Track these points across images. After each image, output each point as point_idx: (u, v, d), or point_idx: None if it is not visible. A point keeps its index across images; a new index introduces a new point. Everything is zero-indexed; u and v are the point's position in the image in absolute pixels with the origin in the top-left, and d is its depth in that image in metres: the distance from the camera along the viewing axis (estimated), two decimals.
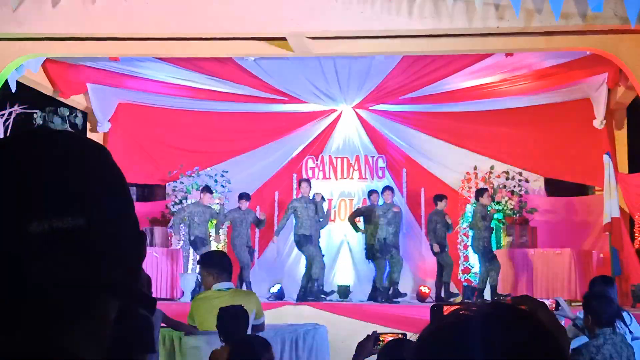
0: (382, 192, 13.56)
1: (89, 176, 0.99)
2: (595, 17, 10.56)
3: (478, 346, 1.12)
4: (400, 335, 3.45)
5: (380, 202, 13.56)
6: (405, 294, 13.04)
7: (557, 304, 6.32)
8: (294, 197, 14.68)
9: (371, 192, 14.01)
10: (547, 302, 6.29)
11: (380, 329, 7.94)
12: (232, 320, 5.33)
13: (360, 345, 3.43)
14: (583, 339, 5.77)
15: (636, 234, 12.76)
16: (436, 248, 13.09)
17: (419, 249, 14.60)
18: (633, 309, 10.96)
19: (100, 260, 0.97)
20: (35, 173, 0.96)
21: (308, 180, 14.04)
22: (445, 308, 1.91)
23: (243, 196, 13.67)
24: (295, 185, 15.09)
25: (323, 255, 13.28)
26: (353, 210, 14.58)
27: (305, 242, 13.07)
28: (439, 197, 13.45)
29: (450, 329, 1.17)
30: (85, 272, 0.96)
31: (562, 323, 6.75)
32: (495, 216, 13.36)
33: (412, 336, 1.27)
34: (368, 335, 3.46)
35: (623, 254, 12.42)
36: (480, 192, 13.07)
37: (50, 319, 0.95)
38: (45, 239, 0.94)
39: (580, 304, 8.66)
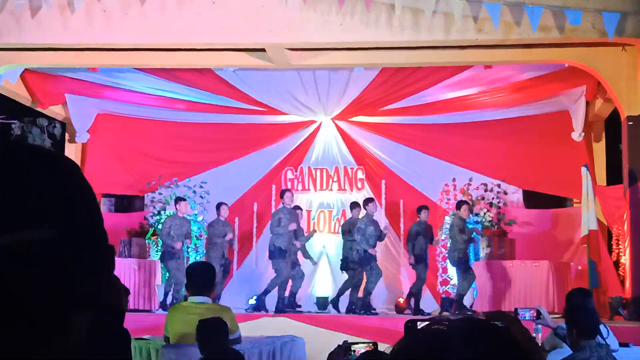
0: (365, 204, 13.31)
1: (58, 189, 0.99)
2: (573, 29, 10.65)
3: None
4: (371, 346, 3.44)
5: (362, 214, 13.40)
6: (376, 311, 12.98)
7: (539, 313, 6.34)
8: (273, 208, 14.67)
9: (354, 205, 13.88)
10: (528, 312, 6.32)
11: (356, 340, 7.91)
12: (212, 332, 5.33)
13: (331, 356, 3.41)
14: (564, 351, 5.78)
15: (614, 247, 12.83)
16: (411, 260, 13.08)
17: (397, 261, 14.61)
18: (610, 321, 11.00)
19: (69, 273, 0.97)
20: (3, 185, 0.96)
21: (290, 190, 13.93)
22: (419, 323, 1.90)
23: (221, 205, 13.53)
24: (274, 197, 15.08)
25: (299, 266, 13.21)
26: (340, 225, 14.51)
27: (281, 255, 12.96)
28: (419, 209, 13.40)
29: (422, 344, 1.16)
30: (54, 284, 0.95)
31: (540, 336, 6.77)
32: (471, 228, 13.30)
33: (387, 348, 1.26)
34: (339, 345, 3.45)
35: (601, 266, 12.47)
36: (458, 205, 13.08)
37: (20, 332, 0.94)
38: (14, 251, 0.93)
39: (559, 316, 8.69)
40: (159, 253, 13.91)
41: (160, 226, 14.21)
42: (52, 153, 1.03)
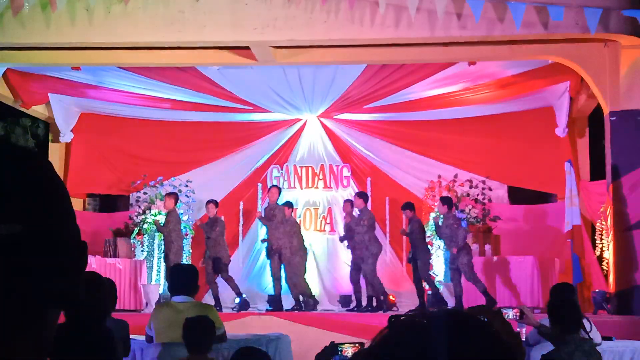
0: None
1: (26, 184, 0.98)
2: (556, 26, 10.68)
3: (429, 353, 1.11)
4: (357, 346, 3.43)
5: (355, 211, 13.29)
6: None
7: (522, 313, 6.36)
8: (259, 206, 14.63)
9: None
10: (511, 311, 6.34)
11: (346, 338, 7.91)
12: (198, 330, 5.34)
13: (319, 357, 3.39)
14: (548, 346, 5.81)
15: (597, 241, 12.89)
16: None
17: (384, 258, 14.59)
18: (594, 315, 11.06)
19: (38, 269, 0.95)
20: None
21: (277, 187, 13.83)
22: (402, 318, 1.88)
23: (210, 202, 13.45)
24: (260, 195, 15.06)
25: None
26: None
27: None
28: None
29: (404, 336, 1.16)
30: (23, 280, 0.94)
31: (524, 331, 6.80)
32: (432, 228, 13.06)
33: (368, 342, 1.25)
34: (326, 347, 3.43)
35: (584, 261, 12.54)
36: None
37: None
38: None
39: (544, 311, 8.72)
40: (144, 252, 13.85)
41: (145, 226, 14.16)
42: (22, 149, 1.02)
